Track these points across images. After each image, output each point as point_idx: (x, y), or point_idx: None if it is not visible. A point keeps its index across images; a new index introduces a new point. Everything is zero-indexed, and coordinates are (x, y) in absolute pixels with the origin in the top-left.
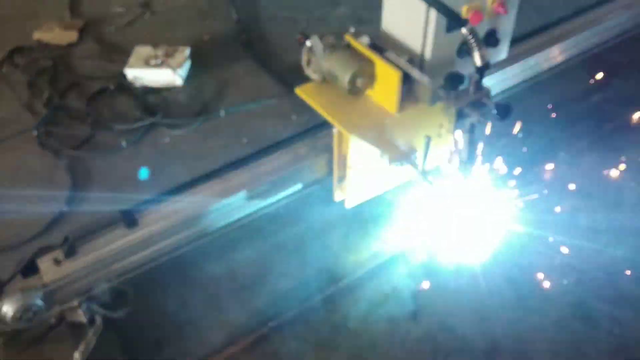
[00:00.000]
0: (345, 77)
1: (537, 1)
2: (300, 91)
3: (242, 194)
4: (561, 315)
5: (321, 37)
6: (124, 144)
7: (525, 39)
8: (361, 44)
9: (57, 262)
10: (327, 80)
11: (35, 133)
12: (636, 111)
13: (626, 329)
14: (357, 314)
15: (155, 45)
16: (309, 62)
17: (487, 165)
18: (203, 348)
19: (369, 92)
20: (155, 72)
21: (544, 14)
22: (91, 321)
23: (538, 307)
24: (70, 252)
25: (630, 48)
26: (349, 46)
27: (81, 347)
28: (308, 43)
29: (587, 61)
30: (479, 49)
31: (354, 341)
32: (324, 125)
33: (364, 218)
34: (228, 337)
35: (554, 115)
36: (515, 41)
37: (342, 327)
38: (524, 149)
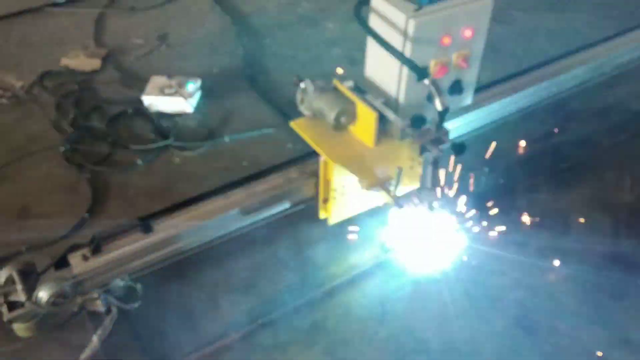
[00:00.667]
0: (331, 115)
1: (507, 54)
2: (294, 124)
3: (238, 210)
4: (506, 324)
5: (313, 80)
6: (139, 162)
7: (494, 86)
8: (345, 88)
9: (85, 257)
10: (317, 116)
11: (62, 149)
12: (589, 152)
13: (561, 338)
14: (333, 316)
15: (169, 75)
16: (302, 101)
17: (451, 193)
18: (201, 338)
19: (350, 127)
20: (169, 100)
21: (513, 65)
22: (108, 311)
23: (488, 316)
24: (96, 250)
25: (586, 97)
26: (335, 89)
27: (99, 332)
28: (302, 85)
29: (548, 107)
30: (440, 97)
31: (329, 338)
32: (314, 154)
33: (342, 235)
34: (222, 331)
35: (515, 154)
36: (487, 87)
37: (320, 326)
38: (488, 182)
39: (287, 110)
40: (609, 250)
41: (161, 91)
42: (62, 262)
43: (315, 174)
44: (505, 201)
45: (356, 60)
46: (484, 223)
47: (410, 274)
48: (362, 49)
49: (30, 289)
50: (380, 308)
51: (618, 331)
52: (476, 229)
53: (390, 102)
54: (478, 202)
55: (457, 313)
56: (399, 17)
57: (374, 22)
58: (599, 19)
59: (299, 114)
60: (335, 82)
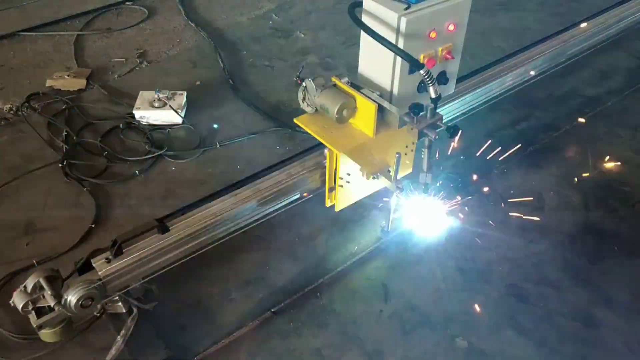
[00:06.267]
0: (334, 109)
1: (473, 50)
2: (298, 121)
3: (253, 204)
4: (499, 294)
5: (313, 79)
6: (137, 172)
7: (466, 79)
8: (344, 84)
9: (107, 260)
10: (319, 112)
11: (60, 165)
12: (553, 135)
13: (548, 302)
14: (341, 299)
15: (157, 90)
16: (304, 99)
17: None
18: (219, 331)
19: (351, 120)
20: (159, 113)
21: (480, 60)
22: (129, 311)
23: (481, 288)
24: (118, 253)
25: (547, 85)
26: (335, 85)
27: (122, 331)
28: (304, 84)
29: (514, 96)
30: (433, 85)
31: (339, 319)
32: (304, 153)
33: (345, 222)
34: (239, 321)
35: (489, 139)
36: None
37: (330, 309)
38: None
39: (273, 115)
40: (581, 221)
41: (151, 105)
42: (84, 268)
43: (318, 167)
44: (483, 183)
45: (330, 66)
46: (466, 206)
47: (408, 254)
48: (334, 55)
49: (57, 294)
50: (383, 288)
51: (599, 292)
52: (461, 211)
53: (385, 95)
54: (460, 185)
55: (454, 287)
56: (390, 15)
57: (366, 21)
58: (546, 16)
59: (284, 117)
60: (334, 79)
